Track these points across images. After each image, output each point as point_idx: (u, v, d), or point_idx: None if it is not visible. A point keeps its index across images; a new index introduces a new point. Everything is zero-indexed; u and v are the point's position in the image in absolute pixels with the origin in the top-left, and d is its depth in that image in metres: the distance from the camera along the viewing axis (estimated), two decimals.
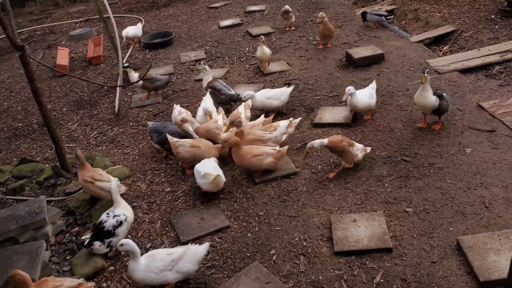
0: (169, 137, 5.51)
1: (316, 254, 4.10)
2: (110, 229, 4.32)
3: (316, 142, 4.89)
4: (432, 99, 5.36)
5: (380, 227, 4.20)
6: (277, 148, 5.17)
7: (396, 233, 4.20)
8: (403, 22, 9.62)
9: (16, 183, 5.78)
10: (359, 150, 5.02)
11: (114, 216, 4.38)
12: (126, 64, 7.58)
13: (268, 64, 7.95)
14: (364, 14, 9.17)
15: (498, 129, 5.37)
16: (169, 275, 3.74)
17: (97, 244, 4.31)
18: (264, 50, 7.64)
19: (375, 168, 5.10)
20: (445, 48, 8.15)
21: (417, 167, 5.01)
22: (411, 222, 4.30)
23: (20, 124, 7.68)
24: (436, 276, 3.71)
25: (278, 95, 6.34)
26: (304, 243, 4.23)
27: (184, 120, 5.68)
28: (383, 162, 5.19)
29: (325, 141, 4.90)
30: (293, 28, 9.73)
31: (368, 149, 5.15)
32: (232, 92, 6.72)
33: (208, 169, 4.84)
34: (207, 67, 6.96)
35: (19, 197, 5.51)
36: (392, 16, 9.48)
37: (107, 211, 4.47)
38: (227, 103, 6.74)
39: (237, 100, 6.70)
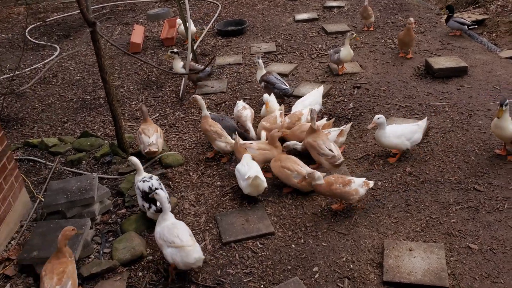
0: (237, 138, 5.25)
1: (362, 280, 3.77)
2: (160, 187, 4.52)
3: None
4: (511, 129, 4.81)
5: (438, 261, 3.79)
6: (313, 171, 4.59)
7: (455, 270, 3.77)
8: (494, 34, 8.80)
9: (74, 155, 5.90)
10: (359, 185, 4.35)
11: (150, 177, 4.60)
12: (175, 50, 7.47)
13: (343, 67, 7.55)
14: (449, 16, 8.42)
15: None
16: (164, 247, 3.85)
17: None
18: (350, 51, 7.21)
19: (441, 194, 4.64)
20: None
21: (489, 199, 4.51)
22: (474, 261, 3.85)
23: (88, 97, 7.88)
24: None
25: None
26: (351, 266, 3.92)
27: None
28: (451, 187, 4.72)
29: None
30: (372, 28, 9.22)
31: (371, 183, 4.43)
32: (286, 86, 6.51)
33: (251, 172, 4.61)
34: (260, 61, 6.75)
35: (75, 170, 5.61)
36: (476, 27, 8.45)
37: (141, 180, 4.56)
38: (279, 97, 6.57)
39: (290, 95, 6.57)
